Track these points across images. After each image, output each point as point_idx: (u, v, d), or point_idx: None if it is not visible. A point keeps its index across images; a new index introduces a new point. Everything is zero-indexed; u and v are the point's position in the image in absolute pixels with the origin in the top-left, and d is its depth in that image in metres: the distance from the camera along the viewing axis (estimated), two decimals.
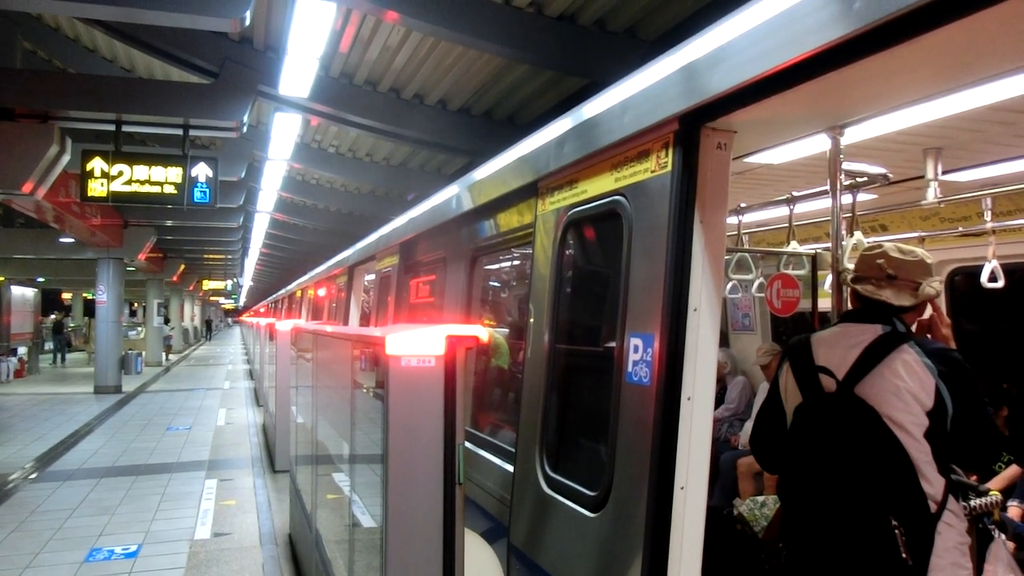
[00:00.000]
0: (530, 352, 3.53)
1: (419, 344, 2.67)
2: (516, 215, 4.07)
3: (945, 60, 1.89)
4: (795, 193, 4.42)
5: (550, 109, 10.15)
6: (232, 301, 75.11)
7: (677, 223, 2.45)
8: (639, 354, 2.53)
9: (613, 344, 2.73)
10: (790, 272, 5.24)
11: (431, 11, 7.84)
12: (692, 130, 2.47)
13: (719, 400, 7.78)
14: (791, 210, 4.55)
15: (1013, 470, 5.17)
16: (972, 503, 3.13)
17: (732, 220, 5.17)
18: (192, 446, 12.81)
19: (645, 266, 2.60)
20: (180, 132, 9.90)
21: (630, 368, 2.57)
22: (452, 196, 5.18)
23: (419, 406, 2.69)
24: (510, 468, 3.61)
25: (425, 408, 2.69)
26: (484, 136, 11.32)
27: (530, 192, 3.71)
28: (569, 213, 3.25)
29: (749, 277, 5.60)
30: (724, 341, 8.37)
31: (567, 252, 3.37)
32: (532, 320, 3.55)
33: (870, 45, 1.75)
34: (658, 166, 2.58)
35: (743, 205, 4.99)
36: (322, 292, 14.45)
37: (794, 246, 4.76)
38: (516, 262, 7.06)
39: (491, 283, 8.69)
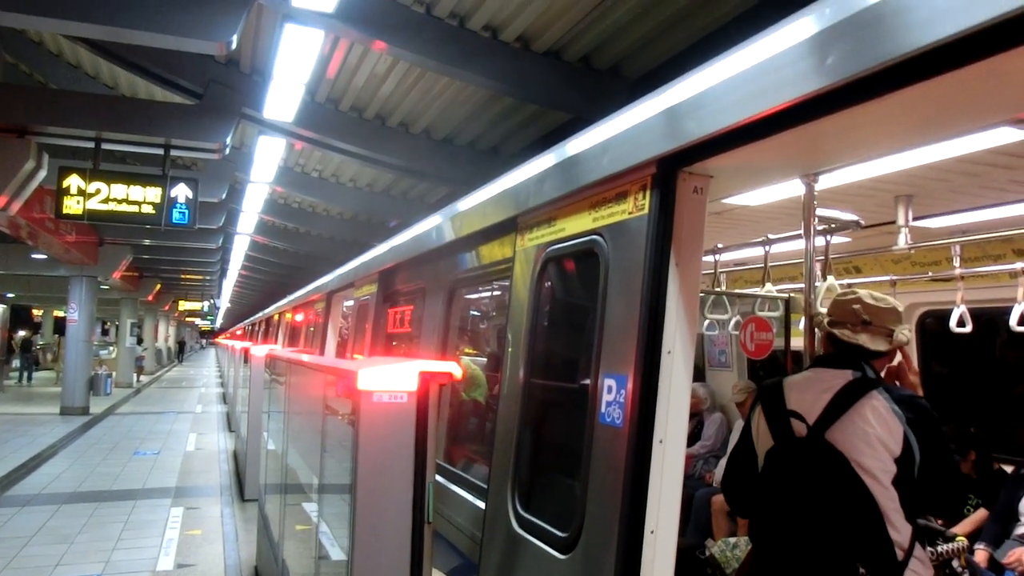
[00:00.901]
0: (505, 387, 3.50)
1: (391, 380, 2.66)
2: (495, 249, 4.08)
3: (912, 117, 1.93)
4: (771, 236, 4.46)
5: (534, 142, 10.22)
6: (209, 322, 74.39)
7: (653, 265, 2.46)
8: (613, 395, 2.52)
9: (588, 383, 2.71)
10: (765, 313, 5.28)
11: (418, 42, 7.90)
12: (669, 174, 2.49)
13: (696, 436, 7.79)
14: (766, 252, 4.60)
15: (980, 514, 5.20)
16: (939, 548, 3.15)
17: (709, 259, 5.21)
18: (159, 472, 12.62)
19: (621, 307, 2.60)
20: (161, 152, 9.87)
21: (603, 408, 2.56)
22: (432, 227, 5.19)
23: (390, 443, 2.68)
24: (482, 505, 3.58)
25: (396, 445, 2.68)
26: (467, 166, 11.37)
27: (509, 227, 3.70)
28: (547, 250, 3.25)
29: (725, 316, 5.63)
30: (701, 376, 8.41)
31: (544, 289, 3.36)
32: (508, 355, 3.52)
33: (841, 100, 1.79)
34: (635, 208, 2.60)
35: (720, 245, 5.03)
36: (300, 318, 14.36)
37: (769, 288, 4.80)
38: (495, 295, 7.08)
39: (470, 316, 8.70)
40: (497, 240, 4.03)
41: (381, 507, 2.67)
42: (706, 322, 6.04)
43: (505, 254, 3.84)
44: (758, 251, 4.94)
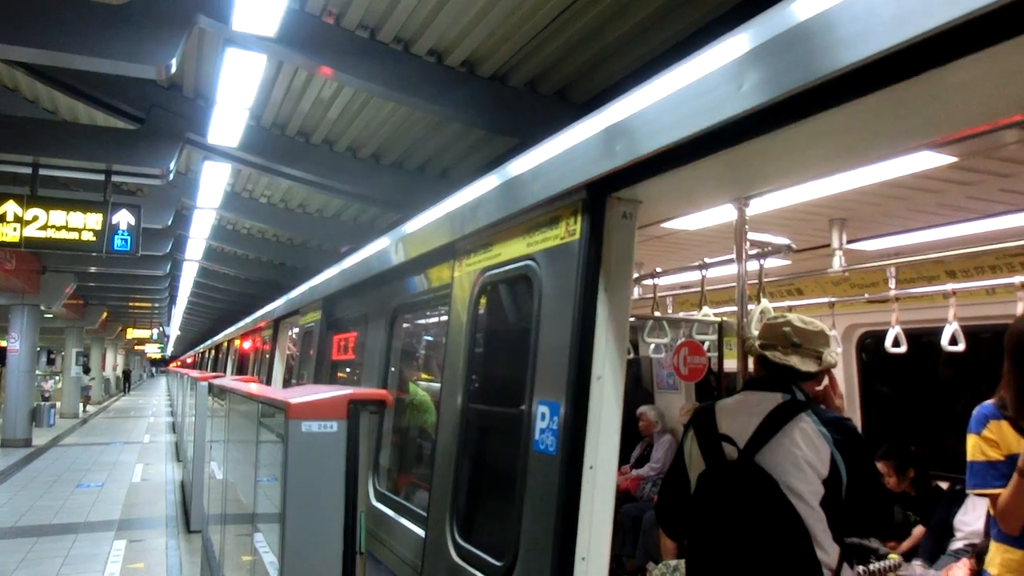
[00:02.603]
0: (443, 415, 3.47)
1: (321, 408, 2.62)
2: (435, 274, 4.06)
3: (834, 141, 1.96)
4: (707, 260, 4.51)
5: (482, 167, 10.24)
6: (159, 350, 73.09)
7: (583, 291, 2.46)
8: (546, 422, 2.51)
9: (523, 409, 2.70)
10: (704, 336, 5.33)
11: (364, 67, 7.88)
12: (599, 199, 2.50)
13: (645, 459, 7.81)
14: (703, 276, 4.64)
15: (918, 530, 5.27)
16: (872, 567, 3.18)
17: (648, 283, 5.24)
18: (103, 504, 12.29)
19: (553, 332, 2.60)
20: (102, 177, 9.70)
21: (537, 436, 2.55)
22: (372, 253, 5.15)
23: (320, 472, 2.63)
24: (423, 533, 3.54)
25: (326, 474, 2.63)
26: (416, 191, 11.34)
27: (448, 253, 3.69)
28: (484, 275, 3.24)
29: (664, 340, 5.66)
30: (650, 399, 8.44)
31: (481, 315, 3.34)
32: (445, 382, 3.48)
33: (761, 125, 1.80)
34: (567, 233, 2.60)
35: (659, 269, 5.07)
36: (248, 345, 14.17)
37: (706, 311, 4.85)
38: (437, 321, 7.02)
39: (418, 341, 8.64)
40: (436, 266, 4.00)
41: (311, 537, 2.61)
42: (651, 346, 6.07)
43: (443, 280, 3.83)
44: (697, 276, 4.98)
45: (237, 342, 15.99)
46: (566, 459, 2.37)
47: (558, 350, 2.52)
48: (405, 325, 5.34)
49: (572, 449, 2.38)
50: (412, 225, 4.44)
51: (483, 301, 3.31)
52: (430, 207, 4.26)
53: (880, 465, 5.34)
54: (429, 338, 6.94)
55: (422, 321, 6.45)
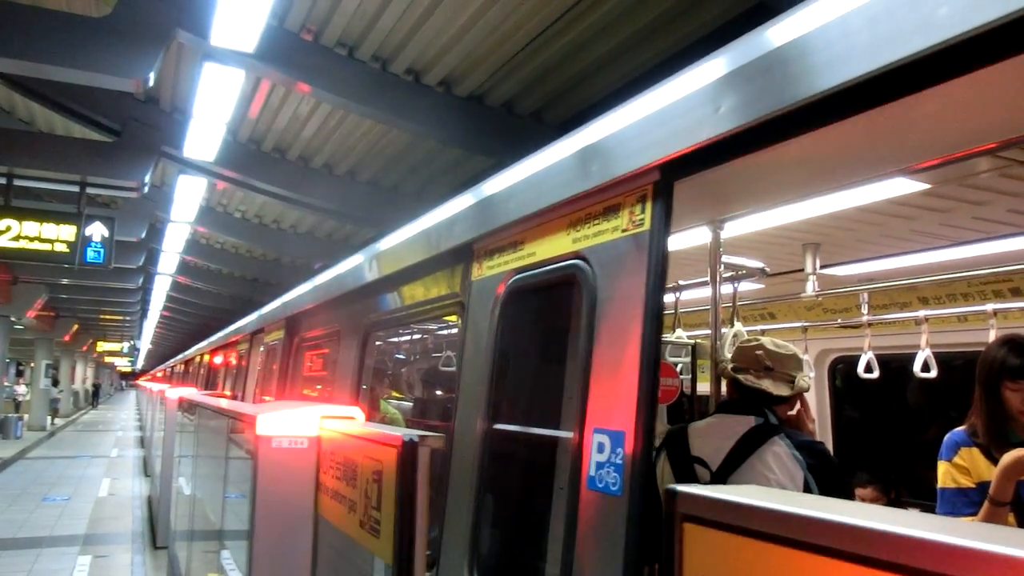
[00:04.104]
0: (459, 443, 2.90)
1: (291, 424, 2.59)
2: (437, 282, 3.59)
3: (807, 165, 1.98)
4: (681, 282, 4.52)
5: (456, 187, 10.24)
6: (130, 364, 72.22)
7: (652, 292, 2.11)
8: (604, 454, 2.06)
9: (569, 439, 2.27)
10: (677, 359, 5.34)
11: (341, 85, 7.88)
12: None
13: None
14: (677, 298, 4.66)
15: None
16: None
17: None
18: (68, 519, 12.09)
19: (613, 344, 2.17)
20: (77, 189, 9.61)
21: (592, 471, 2.10)
22: (349, 268, 5.11)
23: (289, 489, 2.59)
24: None
25: (296, 491, 2.60)
26: (391, 209, 11.32)
27: (459, 256, 3.21)
28: (513, 279, 2.77)
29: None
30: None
31: (507, 326, 2.82)
32: (460, 408, 2.96)
33: (735, 149, 1.82)
34: (632, 224, 2.47)
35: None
36: (218, 360, 14.03)
37: (679, 333, 4.86)
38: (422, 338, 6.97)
39: (394, 358, 8.61)
40: (441, 272, 3.52)
41: (279, 555, 2.58)
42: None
43: (450, 288, 3.42)
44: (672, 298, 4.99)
45: (207, 358, 15.82)
46: (635, 500, 1.94)
47: (621, 365, 2.10)
48: (389, 341, 5.22)
49: (646, 488, 1.94)
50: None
51: (509, 310, 2.82)
52: (404, 224, 4.12)
53: (867, 492, 5.35)
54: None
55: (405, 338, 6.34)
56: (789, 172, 2.06)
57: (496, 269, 2.89)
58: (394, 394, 7.69)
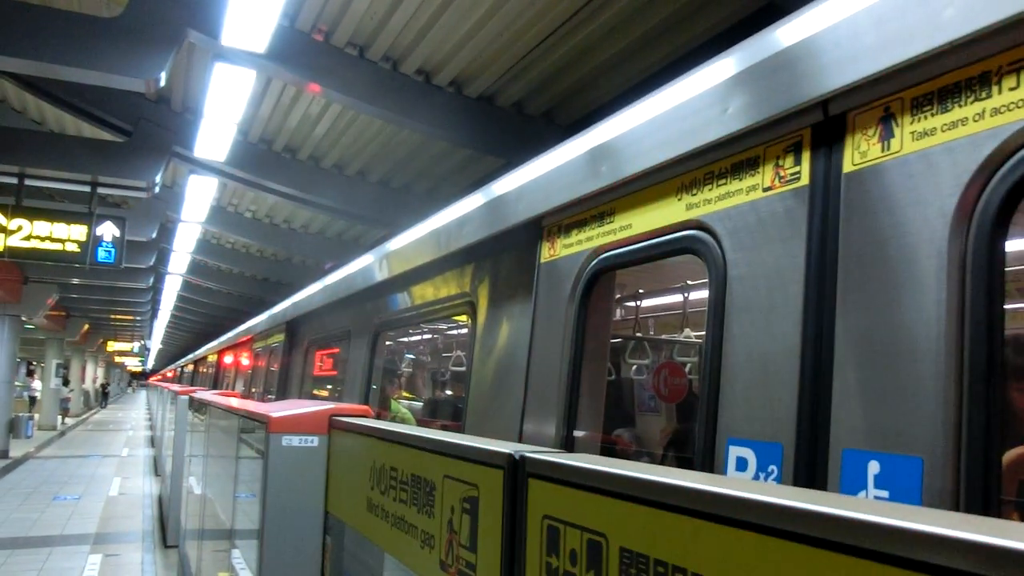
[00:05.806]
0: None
1: (302, 423, 2.61)
2: (497, 266, 3.12)
3: None
4: (690, 282, 4.53)
5: (468, 186, 10.27)
6: (140, 364, 72.49)
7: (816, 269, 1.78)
8: (750, 471, 1.70)
9: (698, 449, 1.88)
10: (686, 359, 5.34)
11: (352, 85, 7.92)
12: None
13: None
14: (685, 297, 4.67)
15: None
16: None
17: (630, 304, 5.26)
18: (79, 518, 12.14)
19: (757, 335, 1.77)
20: (88, 189, 9.67)
21: None
22: (359, 268, 5.14)
23: (299, 487, 2.61)
24: None
25: (305, 489, 2.62)
26: (402, 209, 11.36)
27: (523, 234, 2.82)
28: (597, 259, 2.41)
29: (646, 362, 5.67)
30: (631, 422, 8.43)
31: (592, 313, 2.47)
32: (529, 411, 2.60)
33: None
34: (778, 180, 2.39)
35: (641, 291, 5.09)
36: (228, 360, 14.09)
37: (688, 333, 4.87)
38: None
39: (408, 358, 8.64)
40: (502, 255, 3.08)
41: (289, 553, 2.60)
42: (634, 367, 6.09)
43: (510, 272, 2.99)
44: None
45: (216, 357, 15.89)
46: None
47: (770, 359, 1.69)
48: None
49: None
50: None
51: (594, 294, 2.46)
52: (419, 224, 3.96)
53: None
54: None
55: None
56: None
57: (575, 248, 2.51)
58: (404, 394, 7.71)
